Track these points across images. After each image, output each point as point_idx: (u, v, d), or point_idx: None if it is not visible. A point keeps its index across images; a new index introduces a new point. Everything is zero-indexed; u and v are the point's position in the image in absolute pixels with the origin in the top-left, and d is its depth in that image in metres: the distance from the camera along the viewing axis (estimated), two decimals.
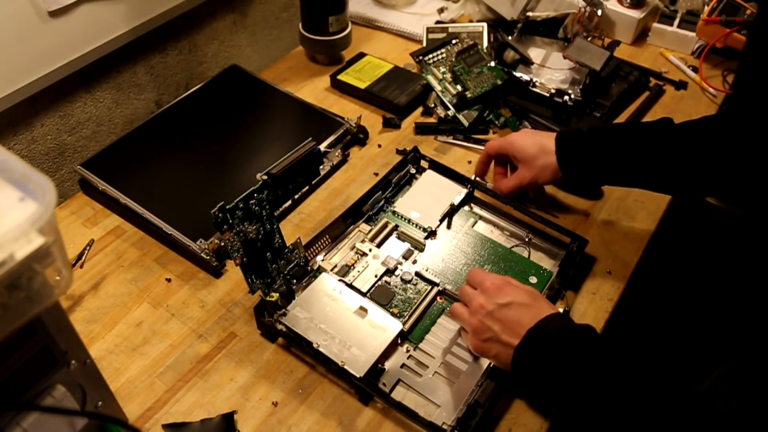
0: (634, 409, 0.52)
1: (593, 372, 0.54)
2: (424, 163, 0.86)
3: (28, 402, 0.44)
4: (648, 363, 0.54)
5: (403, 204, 0.81)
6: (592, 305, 0.73)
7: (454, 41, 1.07)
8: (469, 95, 0.96)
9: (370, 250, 0.75)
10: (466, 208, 0.82)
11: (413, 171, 0.86)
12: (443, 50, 1.05)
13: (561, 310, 0.63)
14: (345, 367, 0.62)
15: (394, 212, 0.80)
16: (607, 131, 0.74)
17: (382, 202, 0.82)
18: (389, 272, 0.73)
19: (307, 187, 0.85)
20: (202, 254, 0.74)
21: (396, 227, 0.79)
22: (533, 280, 0.73)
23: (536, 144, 0.75)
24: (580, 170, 0.74)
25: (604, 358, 0.55)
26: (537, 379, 0.57)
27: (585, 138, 0.74)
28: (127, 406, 0.62)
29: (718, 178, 0.68)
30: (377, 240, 0.77)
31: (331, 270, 0.73)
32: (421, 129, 0.96)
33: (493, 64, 1.00)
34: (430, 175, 0.84)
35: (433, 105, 0.99)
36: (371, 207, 0.80)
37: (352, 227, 0.79)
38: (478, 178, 0.82)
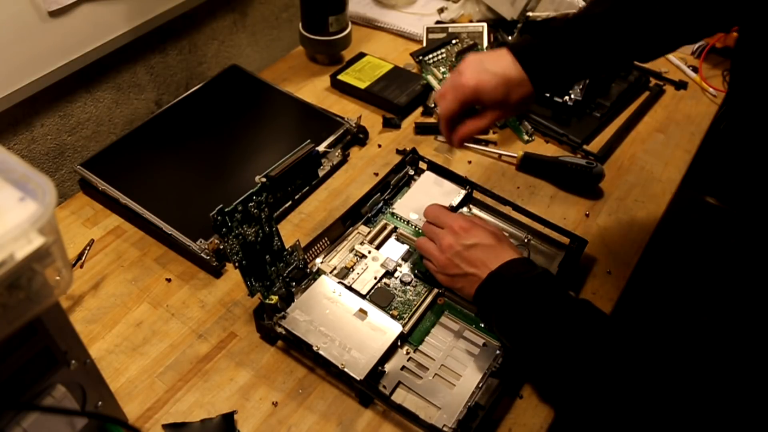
0: (576, 355, 0.57)
1: (538, 315, 0.60)
2: (422, 165, 0.86)
3: (28, 402, 0.44)
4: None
5: (401, 205, 0.81)
6: None
7: (454, 41, 1.07)
8: None
9: (369, 252, 0.75)
10: (465, 209, 0.82)
11: (411, 172, 0.86)
12: (443, 50, 1.05)
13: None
14: (345, 369, 0.62)
15: (392, 214, 0.80)
16: (564, 29, 0.68)
17: (381, 204, 0.82)
18: (388, 274, 0.73)
19: (306, 188, 0.85)
20: (202, 254, 0.74)
21: (395, 229, 0.79)
22: None
23: (502, 83, 0.67)
24: (557, 82, 0.70)
25: (549, 304, 0.60)
26: (493, 315, 0.64)
27: (549, 47, 0.68)
28: (127, 406, 0.62)
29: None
30: (376, 242, 0.77)
31: (331, 272, 0.73)
32: (421, 129, 0.96)
33: None
34: (428, 176, 0.84)
35: (433, 105, 0.99)
36: (370, 209, 0.80)
37: (350, 229, 0.78)
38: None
